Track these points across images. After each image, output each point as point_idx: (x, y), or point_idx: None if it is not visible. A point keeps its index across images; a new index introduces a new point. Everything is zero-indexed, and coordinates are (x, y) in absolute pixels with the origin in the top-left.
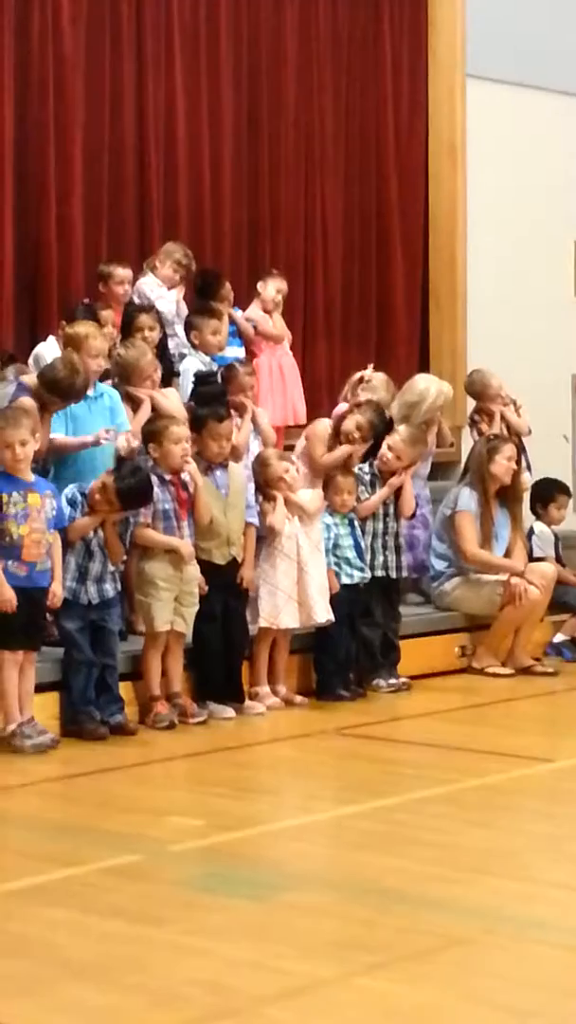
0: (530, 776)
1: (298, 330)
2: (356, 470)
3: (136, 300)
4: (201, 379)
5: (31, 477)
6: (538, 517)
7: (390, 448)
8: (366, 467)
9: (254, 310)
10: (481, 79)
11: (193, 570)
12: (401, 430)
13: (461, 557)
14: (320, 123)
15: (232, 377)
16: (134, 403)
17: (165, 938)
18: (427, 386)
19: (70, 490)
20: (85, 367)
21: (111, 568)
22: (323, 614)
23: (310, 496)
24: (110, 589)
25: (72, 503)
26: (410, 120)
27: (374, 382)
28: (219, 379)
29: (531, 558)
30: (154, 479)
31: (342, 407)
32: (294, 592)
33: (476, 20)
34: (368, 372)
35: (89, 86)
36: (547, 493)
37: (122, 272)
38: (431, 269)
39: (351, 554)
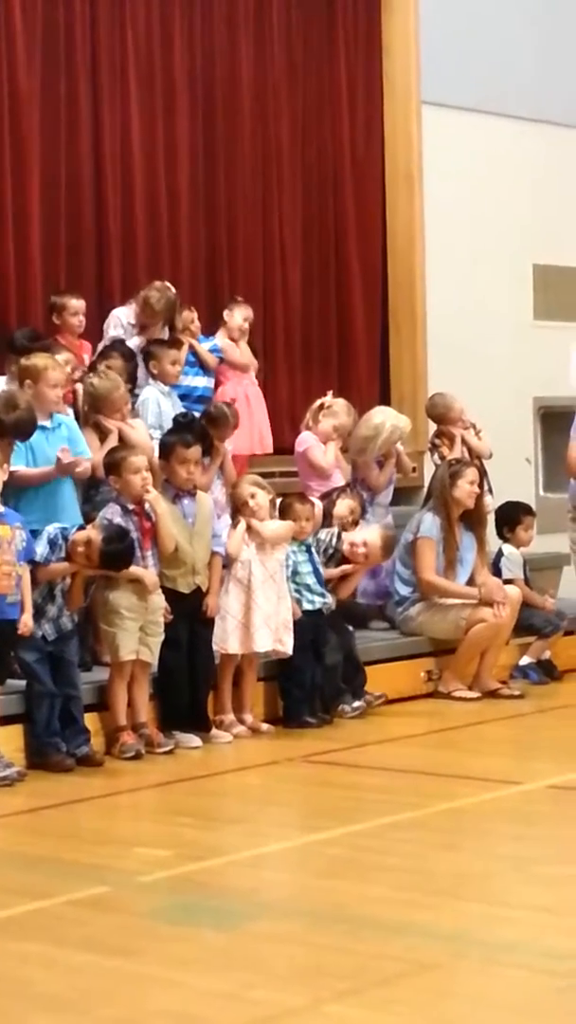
0: (498, 799)
1: (259, 357)
2: (320, 537)
3: (110, 330)
4: (179, 424)
5: (0, 508)
6: (505, 540)
7: (364, 544)
8: (324, 535)
9: (221, 338)
10: (436, 105)
11: (158, 599)
12: (378, 531)
13: (419, 585)
14: (276, 151)
15: (219, 421)
16: (102, 433)
17: (135, 970)
18: (382, 420)
19: (54, 530)
20: (41, 398)
21: (67, 611)
22: (264, 643)
23: (275, 526)
24: (67, 623)
25: (52, 544)
26: (366, 146)
27: (335, 408)
28: (197, 419)
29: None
30: (117, 508)
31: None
32: (242, 618)
33: (430, 47)
34: (329, 398)
35: (44, 117)
36: (513, 515)
37: (75, 303)
38: (390, 294)
39: (311, 580)
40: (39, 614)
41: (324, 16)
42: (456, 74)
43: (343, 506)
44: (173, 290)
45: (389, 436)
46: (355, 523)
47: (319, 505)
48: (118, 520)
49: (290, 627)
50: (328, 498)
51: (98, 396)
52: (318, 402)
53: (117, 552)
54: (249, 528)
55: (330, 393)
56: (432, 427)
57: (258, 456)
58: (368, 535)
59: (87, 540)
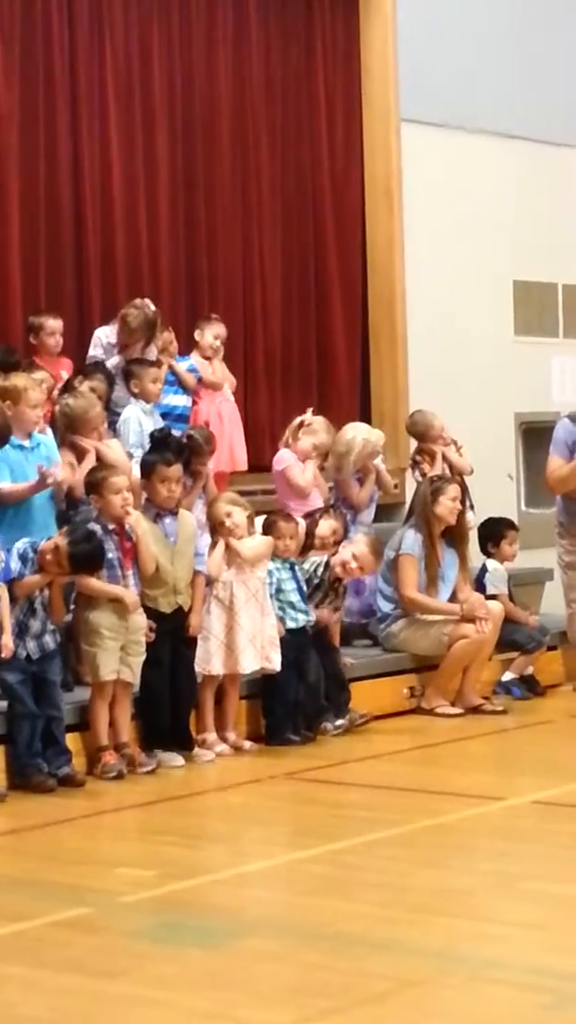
0: (482, 815)
1: (239, 375)
2: (305, 567)
3: (91, 350)
4: (157, 439)
5: None
6: (489, 555)
7: (355, 558)
8: (308, 565)
9: (195, 357)
10: (415, 122)
11: (139, 619)
12: (363, 540)
13: (401, 601)
14: (256, 170)
15: (197, 449)
16: (78, 453)
17: (118, 991)
18: (353, 436)
19: (23, 545)
20: (21, 418)
21: (50, 625)
22: (250, 664)
23: (253, 544)
24: (50, 642)
25: (23, 559)
26: (345, 165)
27: (314, 426)
28: (174, 435)
29: (484, 596)
30: (98, 528)
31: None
32: (224, 638)
33: (408, 64)
34: (308, 416)
35: (23, 137)
36: (496, 531)
37: (52, 323)
38: (370, 312)
39: (295, 598)
40: (22, 631)
41: (302, 35)
42: (434, 91)
43: (325, 527)
44: (152, 308)
45: (362, 450)
46: (337, 543)
47: (303, 524)
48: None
49: (276, 643)
50: (311, 518)
51: (74, 416)
52: (297, 420)
53: (85, 552)
54: (228, 547)
55: (309, 411)
56: (413, 444)
57: (239, 474)
58: (355, 549)
59: (54, 547)
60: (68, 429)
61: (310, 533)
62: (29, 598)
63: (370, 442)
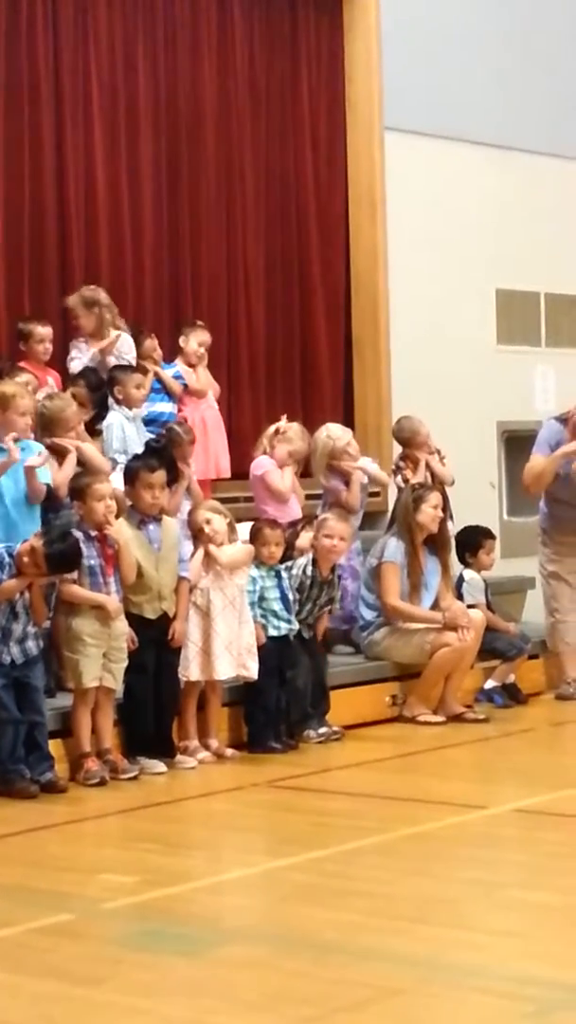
0: (464, 823)
1: (223, 383)
2: (295, 574)
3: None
4: (146, 449)
5: None
6: (467, 565)
7: (328, 536)
8: (296, 570)
9: (180, 364)
10: (398, 131)
11: (121, 625)
12: (323, 517)
13: (383, 609)
14: (240, 177)
15: (174, 443)
16: (59, 455)
17: (100, 997)
18: (318, 435)
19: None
20: (10, 426)
21: (32, 628)
22: (226, 670)
23: (231, 551)
24: (33, 647)
25: (0, 563)
26: (329, 172)
27: (289, 433)
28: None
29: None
30: (80, 535)
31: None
32: (202, 645)
33: (392, 73)
34: (283, 423)
35: (8, 144)
36: (473, 540)
37: (42, 330)
38: (353, 320)
39: (278, 606)
40: (5, 636)
41: (287, 43)
42: (418, 100)
43: (305, 539)
44: (92, 289)
45: (323, 448)
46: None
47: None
48: (81, 546)
49: (254, 651)
50: (292, 530)
51: (50, 416)
52: (272, 427)
53: (61, 552)
54: (207, 554)
55: (284, 418)
56: (397, 451)
57: (222, 481)
58: (325, 528)
59: (30, 548)
60: (45, 431)
61: (290, 544)
62: (9, 602)
63: (332, 439)
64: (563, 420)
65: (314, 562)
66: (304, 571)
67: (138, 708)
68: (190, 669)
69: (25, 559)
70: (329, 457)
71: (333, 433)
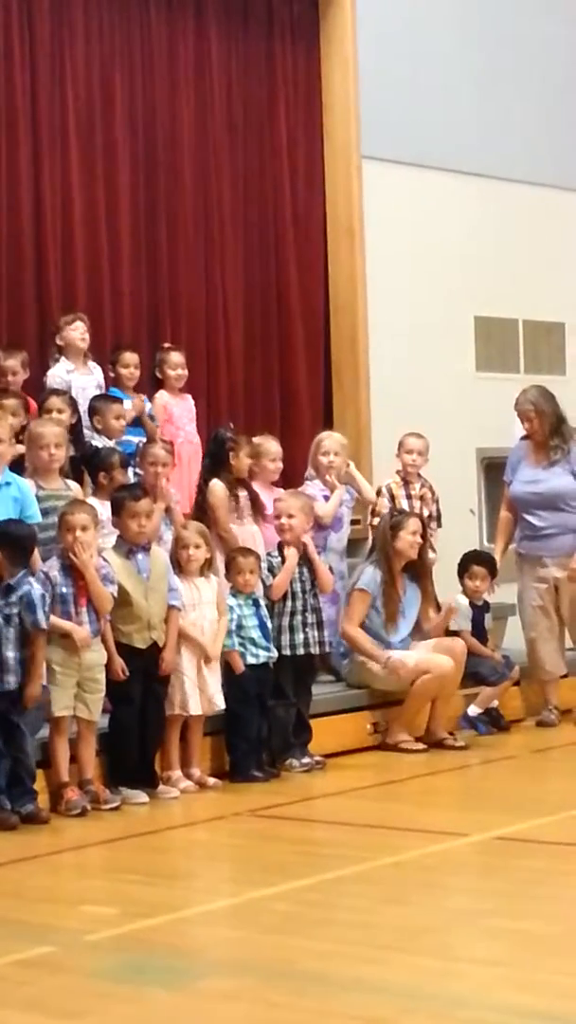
0: (446, 851)
1: (202, 413)
2: (269, 562)
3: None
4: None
5: None
6: (463, 588)
7: (278, 516)
8: (266, 564)
9: (163, 396)
10: (376, 160)
11: (94, 656)
12: (280, 494)
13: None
14: (218, 206)
15: (143, 452)
16: None
17: None
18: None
19: None
20: None
21: (12, 654)
22: (195, 707)
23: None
24: (12, 681)
25: None
26: (307, 202)
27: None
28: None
29: (447, 632)
30: (56, 563)
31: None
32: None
33: (369, 102)
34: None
35: None
36: (463, 565)
37: (11, 363)
38: (333, 347)
39: (256, 634)
40: None
41: (264, 72)
42: (396, 129)
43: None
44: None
45: (316, 448)
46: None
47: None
48: (55, 573)
49: (218, 686)
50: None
51: (29, 437)
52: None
53: (7, 530)
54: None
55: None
56: (379, 474)
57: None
58: (277, 507)
59: None
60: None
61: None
62: None
63: (322, 439)
64: (525, 437)
65: (279, 547)
66: (269, 557)
67: (124, 738)
68: (189, 704)
69: None
70: (319, 457)
71: (324, 435)
